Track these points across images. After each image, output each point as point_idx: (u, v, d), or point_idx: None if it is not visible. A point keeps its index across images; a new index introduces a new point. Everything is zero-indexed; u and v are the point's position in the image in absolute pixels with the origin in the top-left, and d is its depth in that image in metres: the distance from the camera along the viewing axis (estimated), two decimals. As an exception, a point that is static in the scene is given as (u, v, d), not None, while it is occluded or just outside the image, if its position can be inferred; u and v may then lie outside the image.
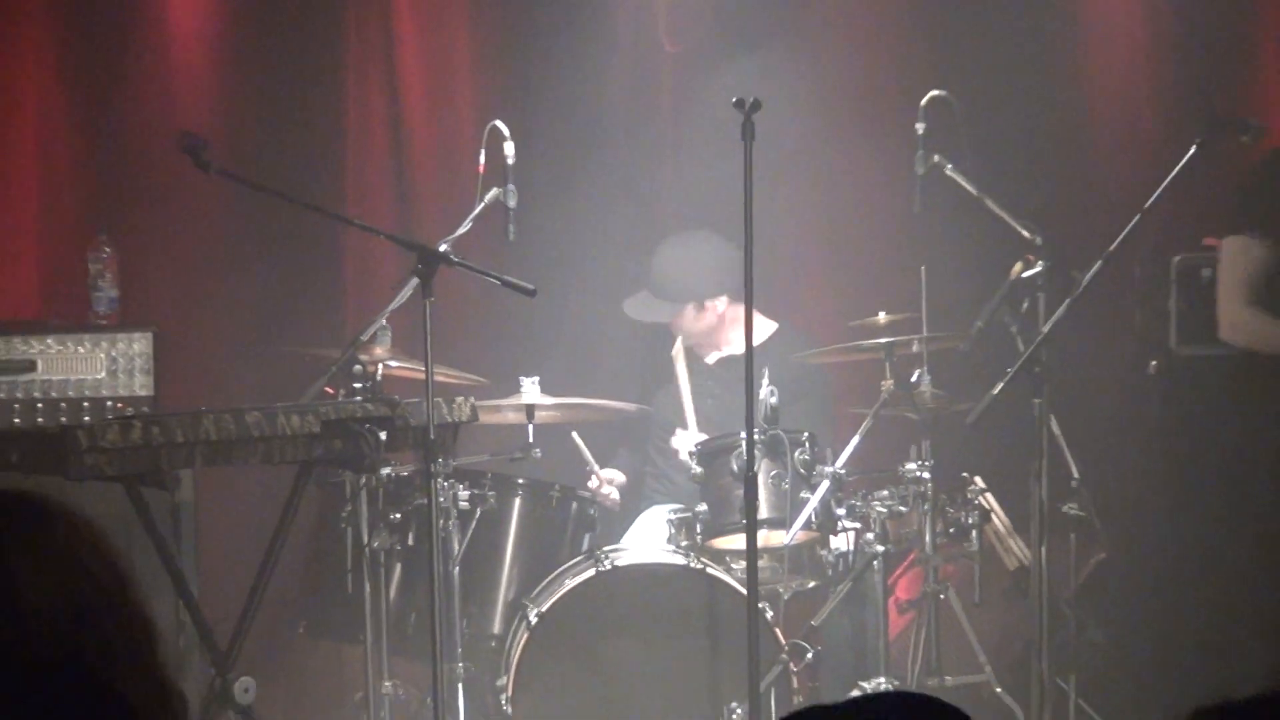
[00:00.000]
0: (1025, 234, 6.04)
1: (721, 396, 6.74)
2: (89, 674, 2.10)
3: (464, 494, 6.04)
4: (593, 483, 6.55)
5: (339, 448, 5.62)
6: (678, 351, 6.70)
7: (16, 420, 6.44)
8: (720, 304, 6.70)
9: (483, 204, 5.98)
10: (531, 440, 6.21)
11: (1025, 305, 6.06)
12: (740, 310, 6.58)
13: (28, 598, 2.44)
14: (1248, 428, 6.35)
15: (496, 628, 6.13)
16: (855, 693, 6.02)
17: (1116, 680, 6.47)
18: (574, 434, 6.58)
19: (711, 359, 6.84)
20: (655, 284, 6.66)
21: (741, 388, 6.55)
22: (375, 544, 5.92)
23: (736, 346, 6.70)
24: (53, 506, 2.55)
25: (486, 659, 6.06)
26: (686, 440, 6.51)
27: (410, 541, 6.01)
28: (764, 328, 6.75)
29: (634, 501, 6.66)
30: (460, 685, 5.88)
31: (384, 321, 6.08)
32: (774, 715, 5.79)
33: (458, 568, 5.95)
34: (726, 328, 6.77)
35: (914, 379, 6.27)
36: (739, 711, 5.75)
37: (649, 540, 6.21)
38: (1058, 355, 6.01)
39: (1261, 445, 6.27)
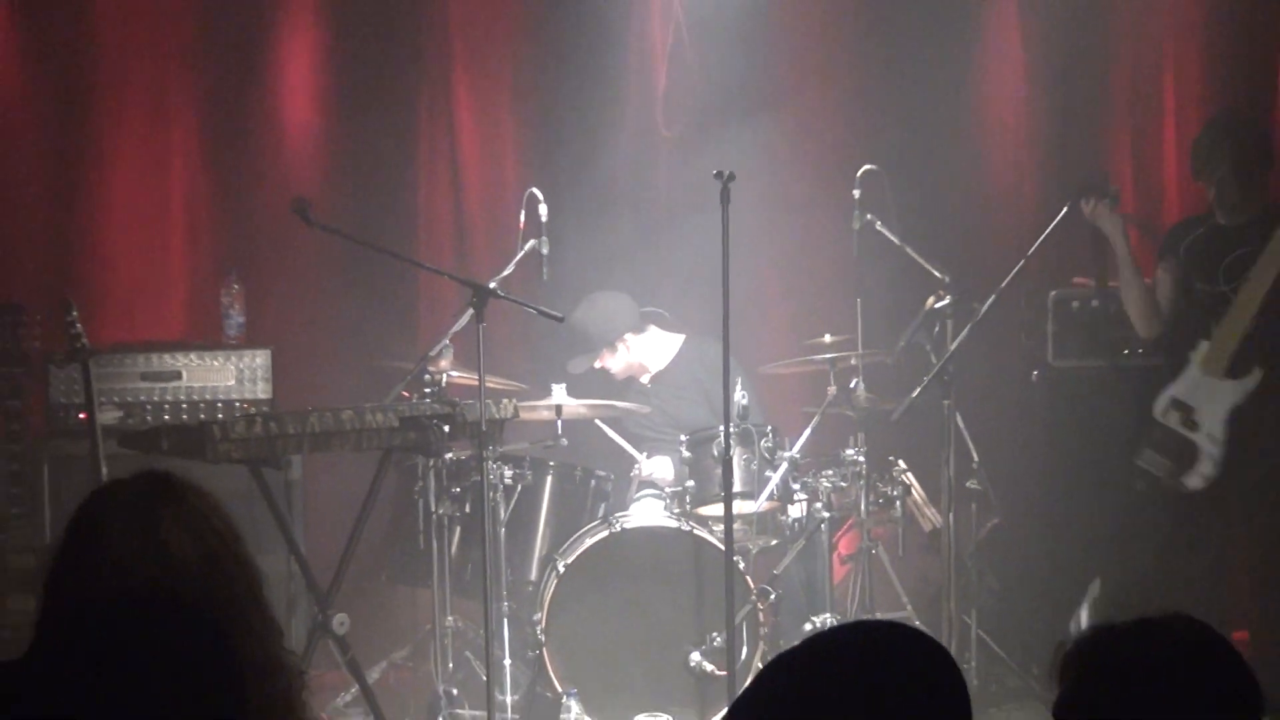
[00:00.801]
0: (937, 274, 6.06)
1: (662, 406, 6.75)
2: (217, 607, 2.10)
3: (508, 473, 6.06)
4: (641, 467, 6.54)
5: (413, 438, 5.63)
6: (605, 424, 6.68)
7: (166, 417, 6.44)
8: (627, 340, 6.73)
9: (523, 251, 5.98)
10: (560, 432, 6.20)
11: (937, 329, 6.07)
12: (645, 337, 6.77)
13: (173, 548, 2.46)
14: (1106, 422, 6.34)
15: (533, 575, 6.15)
16: (808, 626, 6.03)
17: (1007, 616, 6.48)
18: (602, 426, 6.62)
19: (645, 379, 6.86)
20: (577, 343, 6.69)
21: (677, 392, 6.71)
22: (440, 511, 5.93)
23: (657, 364, 6.86)
24: (187, 482, 2.57)
25: (525, 599, 6.07)
26: (648, 465, 6.52)
27: (467, 509, 6.03)
28: (674, 341, 6.81)
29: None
30: (505, 619, 5.91)
31: (447, 341, 6.08)
32: (745, 643, 5.79)
33: (503, 529, 5.96)
34: (642, 354, 6.80)
35: (852, 385, 6.29)
36: (718, 639, 5.74)
37: (649, 508, 6.20)
38: (962, 367, 6.01)
39: (1116, 435, 6.25)
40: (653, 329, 6.82)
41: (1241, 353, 5.88)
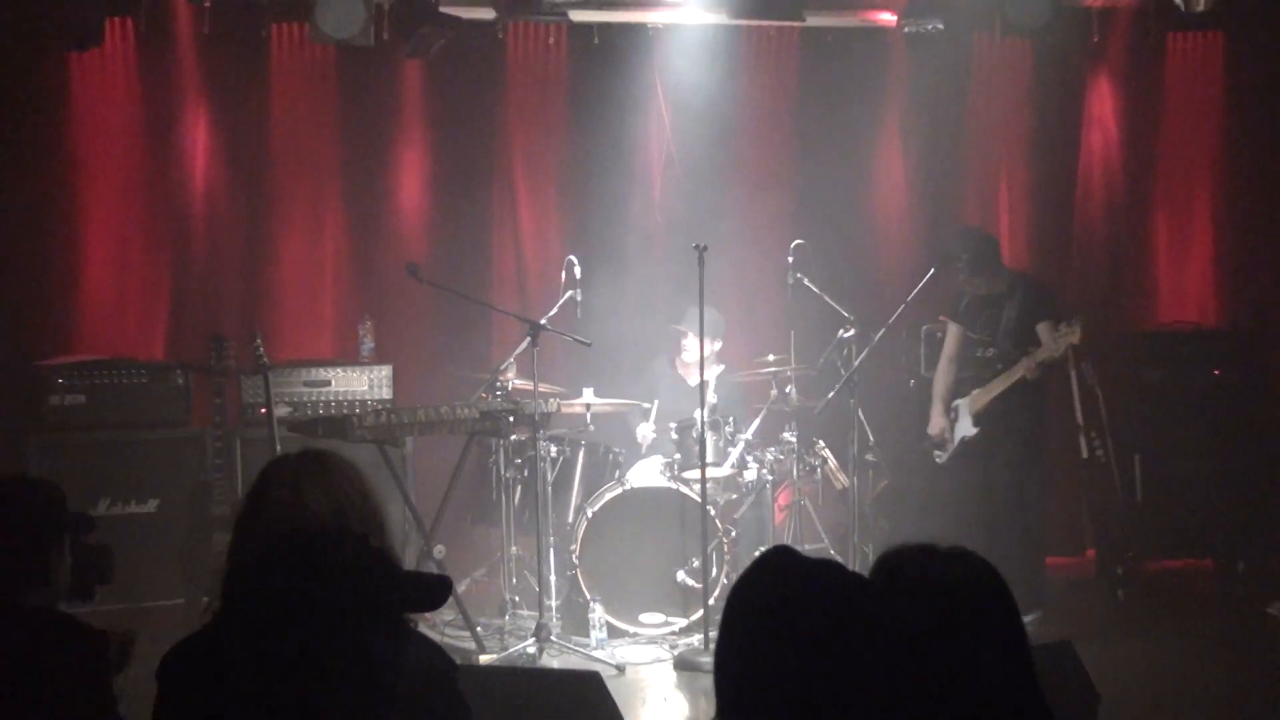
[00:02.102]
0: (845, 314, 6.07)
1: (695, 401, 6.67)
2: (338, 537, 2.08)
3: (553, 449, 6.05)
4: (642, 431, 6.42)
5: (489, 425, 5.67)
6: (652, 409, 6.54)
7: (320, 411, 6.45)
8: (716, 345, 6.44)
9: (564, 299, 6.00)
10: (589, 421, 6.20)
11: (845, 351, 6.09)
12: (716, 357, 6.58)
13: (310, 504, 2.45)
14: (993, 415, 6.25)
15: (570, 519, 6.11)
16: (756, 553, 6.00)
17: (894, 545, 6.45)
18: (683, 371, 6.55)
19: (693, 382, 6.72)
20: (688, 320, 6.36)
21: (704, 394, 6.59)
22: (507, 475, 5.95)
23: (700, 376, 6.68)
24: (331, 456, 2.56)
25: (565, 535, 6.04)
26: (646, 430, 6.41)
27: (525, 474, 6.02)
28: (717, 367, 6.66)
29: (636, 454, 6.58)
30: (551, 549, 5.89)
31: (512, 359, 6.10)
32: (714, 565, 5.78)
33: (550, 488, 5.95)
34: (706, 361, 6.64)
35: (787, 390, 6.29)
36: (696, 563, 5.74)
37: (649, 472, 6.19)
38: (862, 377, 6.02)
39: (1001, 425, 6.19)
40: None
41: (985, 411, 6.02)
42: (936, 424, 6.18)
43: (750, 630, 1.75)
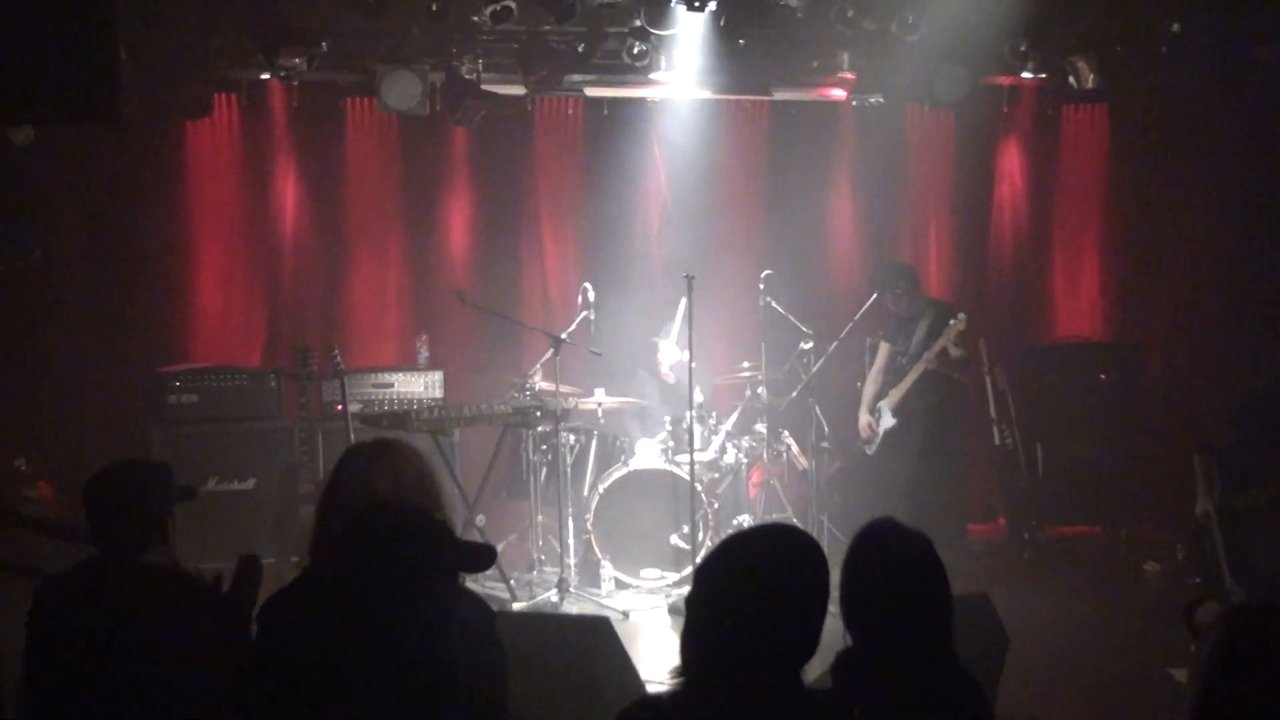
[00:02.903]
0: (805, 330, 6.06)
1: (673, 397, 6.64)
2: (412, 512, 2.08)
3: (571, 438, 6.02)
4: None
5: (520, 419, 5.66)
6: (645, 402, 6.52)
7: (386, 407, 6.44)
8: (676, 351, 6.41)
9: (579, 318, 5.98)
10: (600, 417, 6.19)
11: (806, 359, 6.07)
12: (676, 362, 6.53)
13: (376, 483, 2.44)
14: (907, 409, 6.27)
15: (585, 493, 6.09)
16: (735, 522, 6.00)
17: (845, 519, 6.43)
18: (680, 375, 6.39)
19: (671, 380, 6.72)
20: (663, 331, 6.45)
21: (682, 391, 6.51)
22: (535, 459, 5.92)
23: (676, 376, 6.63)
24: (394, 443, 2.55)
25: (581, 507, 6.02)
26: (649, 445, 6.20)
27: (550, 458, 6.00)
28: (684, 359, 6.57)
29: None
30: (570, 518, 5.86)
31: (538, 366, 6.08)
32: (700, 530, 5.75)
33: (569, 469, 5.94)
34: (689, 375, 6.57)
35: (759, 390, 6.28)
36: (686, 529, 5.73)
37: (648, 455, 6.16)
38: (819, 381, 6.01)
39: (912, 417, 6.21)
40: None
41: (900, 405, 6.14)
42: (862, 421, 6.33)
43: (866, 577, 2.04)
